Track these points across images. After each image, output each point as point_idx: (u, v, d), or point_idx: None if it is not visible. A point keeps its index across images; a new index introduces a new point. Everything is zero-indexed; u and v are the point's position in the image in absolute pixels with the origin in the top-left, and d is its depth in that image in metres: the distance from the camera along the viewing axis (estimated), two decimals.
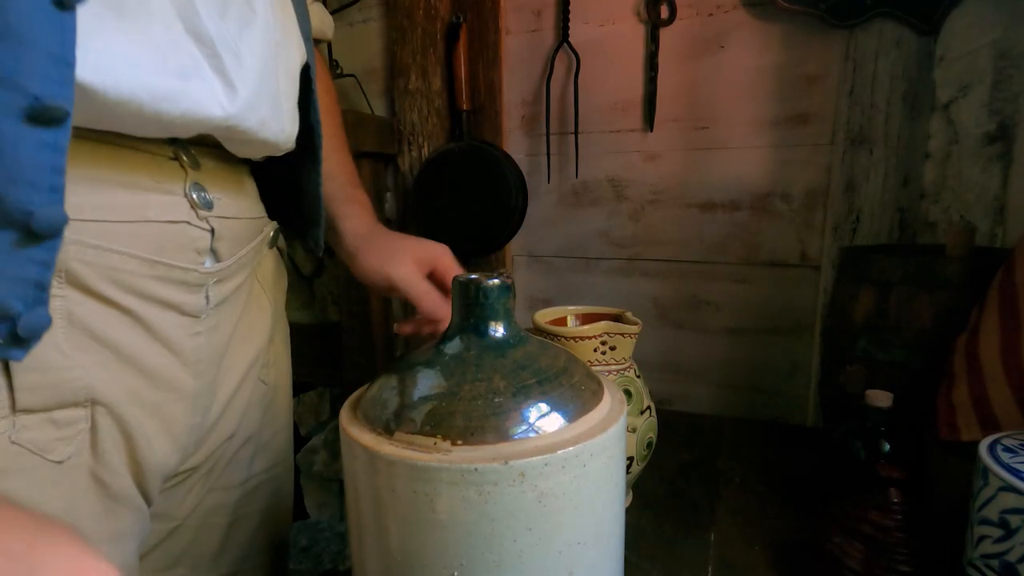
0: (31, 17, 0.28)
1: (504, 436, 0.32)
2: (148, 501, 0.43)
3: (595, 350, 0.56)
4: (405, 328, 0.60)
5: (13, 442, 0.34)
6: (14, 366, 0.33)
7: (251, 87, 0.40)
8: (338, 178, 0.60)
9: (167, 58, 0.34)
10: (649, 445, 0.58)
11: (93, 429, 0.38)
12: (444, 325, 0.46)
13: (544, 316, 0.63)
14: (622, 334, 0.56)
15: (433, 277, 0.58)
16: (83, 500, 0.38)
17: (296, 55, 0.47)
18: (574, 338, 0.56)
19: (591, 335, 0.56)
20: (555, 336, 0.57)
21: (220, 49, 0.37)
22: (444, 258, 0.58)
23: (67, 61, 0.29)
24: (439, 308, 0.56)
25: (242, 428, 0.51)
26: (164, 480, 0.45)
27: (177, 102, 0.35)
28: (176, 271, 0.40)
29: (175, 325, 0.41)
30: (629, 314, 0.60)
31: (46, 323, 0.31)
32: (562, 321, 0.65)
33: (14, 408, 0.33)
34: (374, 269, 0.57)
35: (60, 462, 0.36)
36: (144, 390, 0.40)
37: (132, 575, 0.43)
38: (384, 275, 0.56)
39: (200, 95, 0.36)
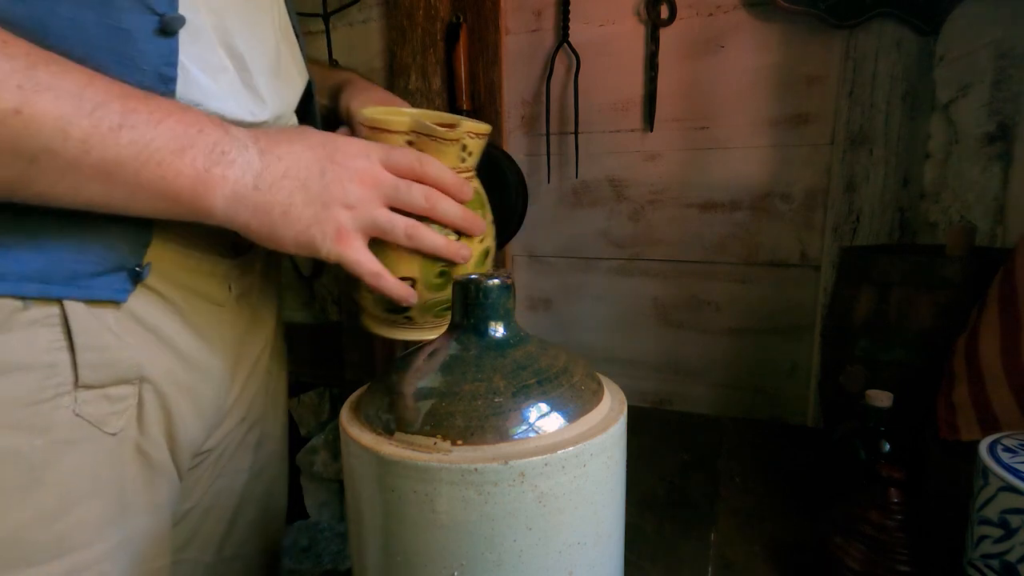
0: (142, 43, 0.35)
1: (504, 436, 0.32)
2: (179, 476, 0.48)
3: (459, 158, 0.49)
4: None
5: (77, 415, 0.38)
6: (78, 347, 0.38)
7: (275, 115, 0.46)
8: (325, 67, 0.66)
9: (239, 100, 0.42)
10: (486, 253, 0.52)
11: (140, 404, 0.43)
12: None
13: (374, 113, 0.49)
14: (477, 134, 0.48)
15: None
16: (130, 470, 0.43)
17: (300, 83, 0.52)
18: (443, 139, 0.46)
19: (455, 137, 0.47)
20: (429, 135, 0.46)
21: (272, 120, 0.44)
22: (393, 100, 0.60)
23: (170, 77, 0.37)
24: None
25: (251, 413, 0.56)
26: (191, 458, 0.49)
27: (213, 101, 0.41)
28: (205, 263, 0.45)
29: (204, 313, 0.46)
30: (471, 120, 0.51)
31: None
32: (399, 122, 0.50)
33: (76, 384, 0.38)
34: (344, 104, 0.58)
35: (114, 434, 0.41)
36: (179, 371, 0.45)
37: (166, 544, 0.48)
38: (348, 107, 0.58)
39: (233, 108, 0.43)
